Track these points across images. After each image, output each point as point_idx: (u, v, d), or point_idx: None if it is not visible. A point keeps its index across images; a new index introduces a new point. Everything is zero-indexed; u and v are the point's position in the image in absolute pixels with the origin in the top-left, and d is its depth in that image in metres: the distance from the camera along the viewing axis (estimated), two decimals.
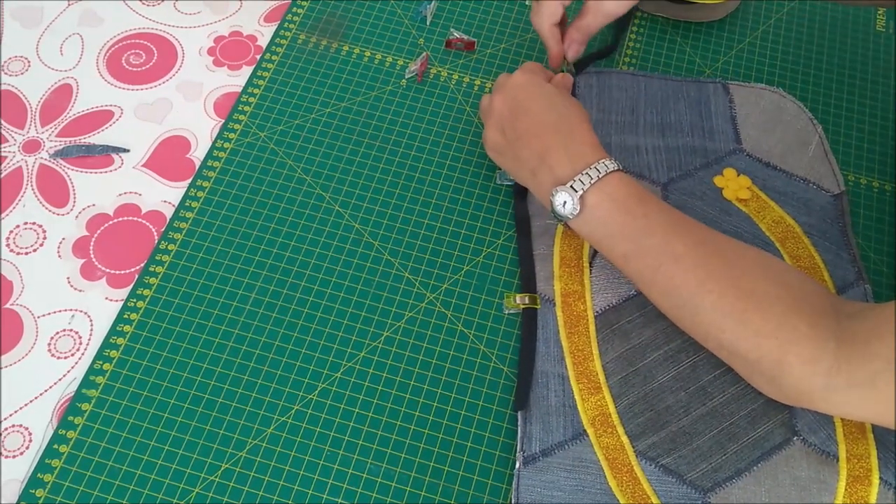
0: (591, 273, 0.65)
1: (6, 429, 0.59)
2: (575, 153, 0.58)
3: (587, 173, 0.57)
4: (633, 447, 0.58)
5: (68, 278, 0.65)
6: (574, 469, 0.57)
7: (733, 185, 0.69)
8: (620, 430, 0.58)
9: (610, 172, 0.57)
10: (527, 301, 0.63)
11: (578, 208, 0.57)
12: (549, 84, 0.64)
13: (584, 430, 0.58)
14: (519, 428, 0.58)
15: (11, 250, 0.66)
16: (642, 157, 0.70)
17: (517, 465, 0.57)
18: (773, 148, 0.71)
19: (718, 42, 0.79)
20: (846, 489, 0.56)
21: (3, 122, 0.72)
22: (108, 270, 0.65)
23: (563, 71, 0.72)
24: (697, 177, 0.69)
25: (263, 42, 0.77)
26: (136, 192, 0.69)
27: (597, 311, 0.63)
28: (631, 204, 0.57)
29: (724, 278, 0.53)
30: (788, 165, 0.70)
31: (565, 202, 0.57)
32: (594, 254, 0.65)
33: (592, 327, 0.62)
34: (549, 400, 0.59)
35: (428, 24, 0.79)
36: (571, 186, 0.57)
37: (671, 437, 0.58)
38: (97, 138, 0.72)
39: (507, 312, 0.64)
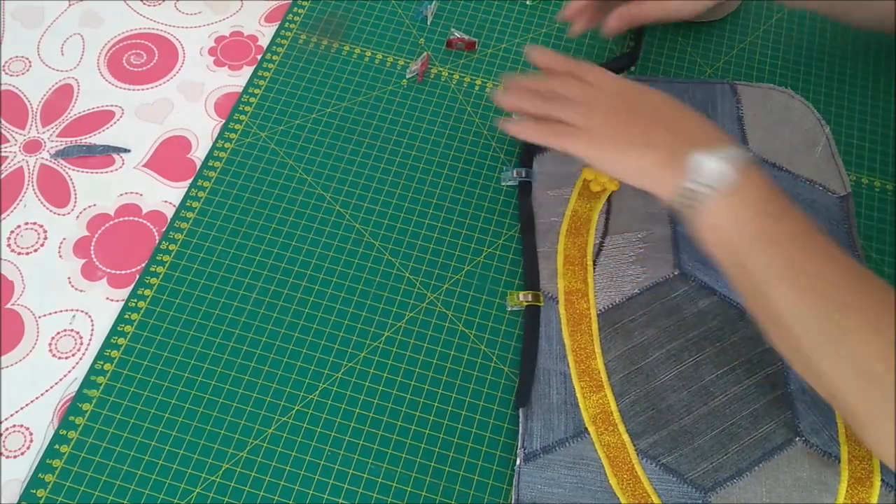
0: (594, 271, 0.65)
1: (7, 429, 0.59)
2: (713, 131, 0.55)
3: (732, 150, 0.52)
4: (635, 445, 0.58)
5: (69, 278, 0.65)
6: (575, 466, 0.57)
7: None
8: (622, 428, 0.58)
9: (755, 162, 0.53)
10: (530, 298, 0.63)
11: (734, 175, 0.50)
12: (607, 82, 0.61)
13: (586, 428, 0.58)
14: (520, 425, 0.58)
15: (12, 250, 0.66)
16: None
17: (518, 462, 0.57)
18: (780, 149, 0.71)
19: (720, 42, 0.79)
20: (847, 490, 0.56)
21: (4, 122, 0.72)
22: (108, 270, 0.65)
23: None
24: None
25: (264, 42, 0.77)
26: (136, 193, 0.69)
27: (600, 310, 0.63)
28: (786, 196, 0.52)
29: None
30: (795, 167, 0.70)
31: (718, 169, 0.51)
32: (598, 252, 0.65)
33: (595, 326, 0.62)
34: (550, 397, 0.59)
35: (429, 23, 0.79)
36: (721, 156, 0.51)
37: (672, 436, 0.58)
38: (98, 138, 0.72)
39: (510, 309, 0.64)
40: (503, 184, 0.70)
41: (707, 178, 0.51)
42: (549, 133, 0.59)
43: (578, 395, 0.60)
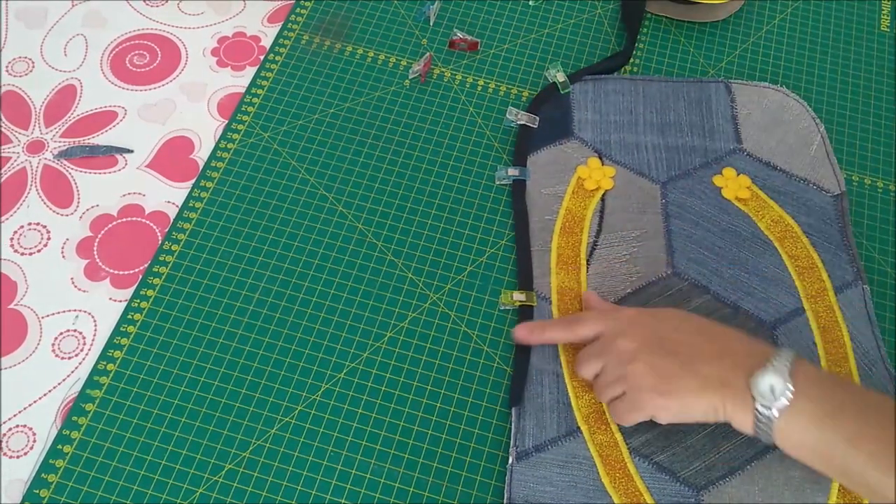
0: (587, 270, 0.65)
1: (10, 429, 0.59)
2: (750, 345, 0.53)
3: (780, 354, 0.51)
4: (627, 444, 0.58)
5: (72, 279, 0.65)
6: (567, 465, 0.57)
7: (733, 184, 0.69)
8: (614, 427, 0.58)
9: (797, 354, 0.52)
10: (523, 298, 0.63)
11: (791, 387, 0.50)
12: (652, 308, 0.59)
13: (578, 427, 0.58)
14: (513, 423, 0.59)
15: (16, 251, 0.66)
16: (642, 154, 0.70)
17: (510, 461, 0.57)
18: (775, 148, 0.71)
19: (722, 42, 0.79)
20: (840, 489, 0.56)
21: (7, 122, 0.72)
22: (111, 271, 0.65)
23: (559, 89, 0.73)
24: (696, 176, 0.69)
25: (267, 42, 0.77)
26: (139, 193, 0.69)
27: None
28: (835, 379, 0.52)
29: None
30: (789, 165, 0.70)
31: (772, 385, 0.50)
32: (591, 251, 0.66)
33: None
34: (543, 397, 0.60)
35: (431, 24, 0.79)
36: (772, 366, 0.50)
37: (665, 435, 0.58)
38: (101, 139, 0.72)
39: (501, 308, 0.64)
40: (496, 182, 0.70)
41: (769, 400, 0.51)
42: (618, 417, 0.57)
43: (571, 394, 0.60)
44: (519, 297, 0.63)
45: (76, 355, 0.62)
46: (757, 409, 0.51)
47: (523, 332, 0.61)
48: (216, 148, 0.71)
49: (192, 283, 0.64)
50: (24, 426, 0.59)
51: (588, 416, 0.59)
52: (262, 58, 0.76)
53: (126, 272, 0.65)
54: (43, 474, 0.57)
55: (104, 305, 0.64)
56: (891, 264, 0.67)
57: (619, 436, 0.58)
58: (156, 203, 0.68)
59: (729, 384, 0.52)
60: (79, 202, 0.68)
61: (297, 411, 0.60)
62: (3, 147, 0.71)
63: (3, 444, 0.58)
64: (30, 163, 0.70)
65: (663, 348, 0.54)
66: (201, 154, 0.71)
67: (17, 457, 0.58)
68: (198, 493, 0.57)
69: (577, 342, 0.60)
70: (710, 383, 0.52)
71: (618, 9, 0.81)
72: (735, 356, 0.53)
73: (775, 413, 0.50)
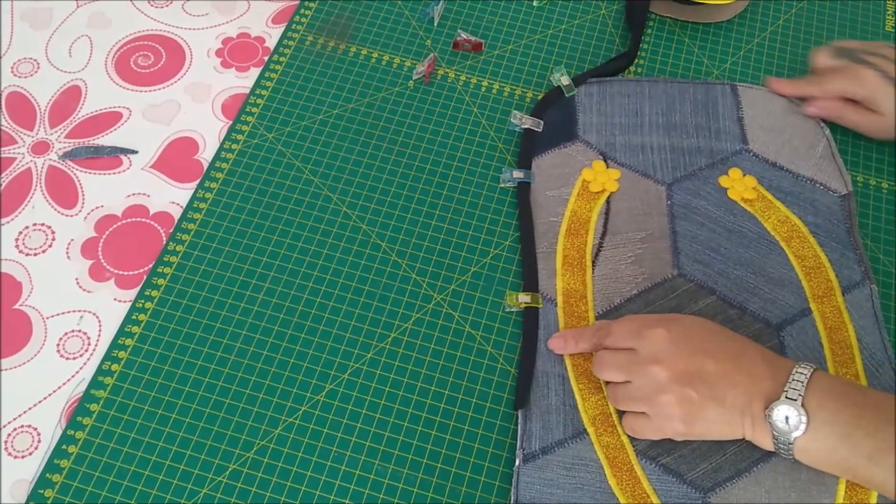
0: (593, 272, 0.65)
1: (15, 429, 0.59)
2: (772, 366, 0.54)
3: (794, 379, 0.53)
4: (634, 446, 0.58)
5: (77, 279, 0.65)
6: (573, 467, 0.57)
7: (739, 185, 0.69)
8: (621, 429, 0.58)
9: (813, 370, 0.53)
10: (528, 300, 0.63)
11: (805, 418, 0.52)
12: (676, 320, 0.58)
13: (585, 429, 0.58)
14: (519, 426, 0.58)
15: (20, 251, 0.66)
16: (647, 156, 0.70)
17: (517, 463, 0.57)
18: (781, 149, 0.71)
19: (727, 43, 0.79)
20: (846, 491, 0.56)
21: (12, 123, 0.72)
22: (116, 271, 0.65)
23: (563, 92, 0.72)
24: (702, 177, 0.69)
25: (271, 43, 0.78)
26: (144, 194, 0.69)
27: (598, 312, 0.63)
28: (852, 394, 0.53)
29: None
30: (795, 166, 0.70)
31: (787, 416, 0.52)
32: (597, 253, 0.65)
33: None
34: (549, 399, 0.59)
35: (435, 25, 0.79)
36: (786, 396, 0.52)
37: None
38: (106, 140, 0.72)
39: (507, 310, 0.64)
40: (501, 185, 0.70)
41: (784, 432, 0.52)
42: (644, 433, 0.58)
43: (577, 396, 0.60)
44: (524, 298, 0.63)
45: (81, 356, 0.62)
46: (775, 436, 0.53)
47: (558, 343, 0.61)
48: (220, 149, 0.71)
49: (197, 283, 0.64)
50: (29, 426, 0.59)
51: (594, 418, 0.59)
52: (266, 58, 0.76)
53: (130, 273, 0.65)
54: (47, 474, 0.57)
55: (109, 306, 0.64)
56: None
57: (625, 438, 0.58)
58: (160, 204, 0.69)
59: (749, 412, 0.54)
60: (83, 203, 0.68)
61: (301, 412, 0.60)
62: (8, 148, 0.71)
63: (8, 445, 0.58)
64: (35, 163, 0.70)
65: (695, 379, 0.54)
66: (206, 155, 0.71)
67: (22, 457, 0.58)
68: (202, 494, 0.57)
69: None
70: (733, 412, 0.54)
71: (622, 10, 0.81)
72: (758, 382, 0.54)
73: (791, 439, 0.52)
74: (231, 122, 0.72)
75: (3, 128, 0.72)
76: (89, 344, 0.62)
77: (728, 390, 0.54)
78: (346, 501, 0.57)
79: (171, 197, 0.69)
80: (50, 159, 0.70)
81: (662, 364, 0.55)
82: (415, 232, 0.67)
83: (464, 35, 0.78)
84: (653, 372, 0.55)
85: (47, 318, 0.63)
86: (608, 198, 0.68)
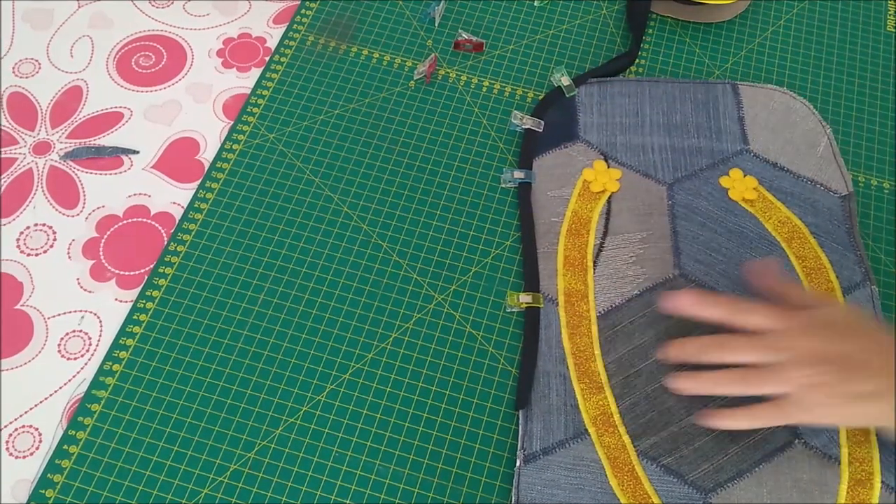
0: (594, 272, 0.65)
1: (16, 429, 0.59)
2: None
3: None
4: (635, 447, 0.58)
5: (78, 279, 0.65)
6: (574, 468, 0.57)
7: (739, 185, 0.69)
8: (622, 429, 0.58)
9: None
10: (529, 300, 0.63)
11: None
12: (812, 308, 0.57)
13: (586, 430, 0.58)
14: (520, 426, 0.58)
15: (22, 252, 0.66)
16: (648, 156, 0.70)
17: (518, 463, 0.57)
18: (782, 149, 0.71)
19: (728, 43, 0.79)
20: (848, 492, 0.56)
21: (13, 123, 0.72)
22: (117, 272, 0.65)
23: (564, 93, 0.72)
24: (703, 177, 0.69)
25: (272, 44, 0.78)
26: (145, 194, 0.69)
27: (599, 312, 0.63)
28: None
29: None
30: (796, 166, 0.70)
31: None
32: (598, 253, 0.65)
33: (595, 328, 0.62)
34: (550, 399, 0.59)
35: (437, 25, 0.79)
36: None
37: (673, 437, 0.58)
38: (107, 140, 0.72)
39: (507, 310, 0.64)
40: (502, 185, 0.70)
41: None
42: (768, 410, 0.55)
43: (578, 396, 0.60)
44: (525, 298, 0.63)
45: (82, 356, 0.62)
46: None
47: (690, 299, 0.57)
48: (221, 149, 0.71)
49: (198, 283, 0.65)
50: (30, 426, 0.59)
51: (596, 418, 0.59)
52: (267, 59, 0.76)
53: (132, 273, 0.65)
54: (49, 474, 0.57)
55: (110, 306, 0.64)
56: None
57: (626, 438, 0.58)
58: (161, 204, 0.69)
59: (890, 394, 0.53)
60: (85, 203, 0.68)
61: (302, 412, 0.60)
62: (9, 148, 0.71)
63: (10, 445, 0.58)
64: (36, 164, 0.70)
65: (842, 374, 0.53)
66: (207, 155, 0.71)
67: (23, 457, 0.58)
68: (203, 494, 0.57)
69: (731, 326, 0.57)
70: (877, 394, 0.53)
71: (623, 10, 0.81)
72: (889, 367, 0.53)
73: None
74: (232, 123, 0.73)
75: (4, 128, 0.72)
76: (90, 344, 0.62)
77: (866, 373, 0.53)
78: (347, 502, 0.57)
79: (173, 197, 0.69)
80: (51, 159, 0.70)
81: (814, 367, 0.53)
82: (415, 232, 0.67)
83: (465, 35, 0.78)
84: (802, 376, 0.53)
85: (48, 318, 0.63)
86: (609, 198, 0.68)
